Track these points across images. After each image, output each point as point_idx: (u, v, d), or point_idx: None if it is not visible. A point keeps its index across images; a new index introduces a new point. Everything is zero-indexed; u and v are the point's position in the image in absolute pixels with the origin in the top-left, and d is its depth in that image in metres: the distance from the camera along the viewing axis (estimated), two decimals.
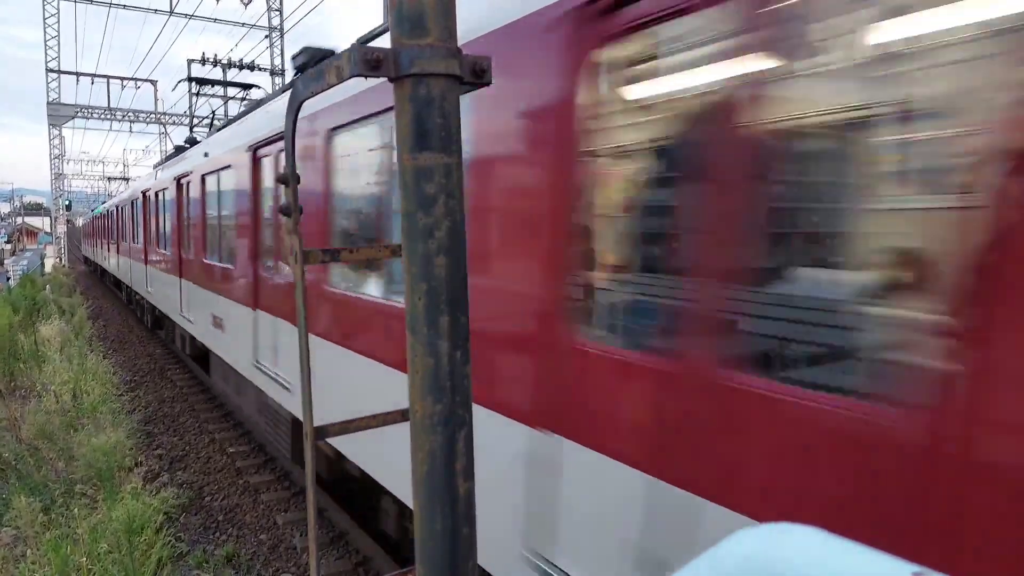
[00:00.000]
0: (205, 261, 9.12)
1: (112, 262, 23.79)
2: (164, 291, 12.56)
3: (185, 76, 19.12)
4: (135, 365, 13.99)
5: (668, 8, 2.27)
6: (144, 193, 14.94)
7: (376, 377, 4.20)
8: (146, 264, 14.75)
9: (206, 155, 9.20)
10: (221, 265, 8.31)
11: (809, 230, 2.23)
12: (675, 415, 2.22)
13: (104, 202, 34.33)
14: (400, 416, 1.46)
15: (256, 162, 6.83)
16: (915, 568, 0.57)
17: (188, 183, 10.28)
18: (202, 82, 19.14)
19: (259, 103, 8.82)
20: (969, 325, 1.53)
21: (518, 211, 2.98)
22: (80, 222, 49.73)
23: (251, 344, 6.96)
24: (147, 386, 12.18)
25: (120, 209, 20.94)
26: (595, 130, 2.62)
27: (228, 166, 7.88)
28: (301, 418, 5.51)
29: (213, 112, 20.20)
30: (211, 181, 8.94)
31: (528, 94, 2.87)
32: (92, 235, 35.03)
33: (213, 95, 20.23)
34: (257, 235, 6.90)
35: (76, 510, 6.19)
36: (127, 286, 20.13)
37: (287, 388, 5.92)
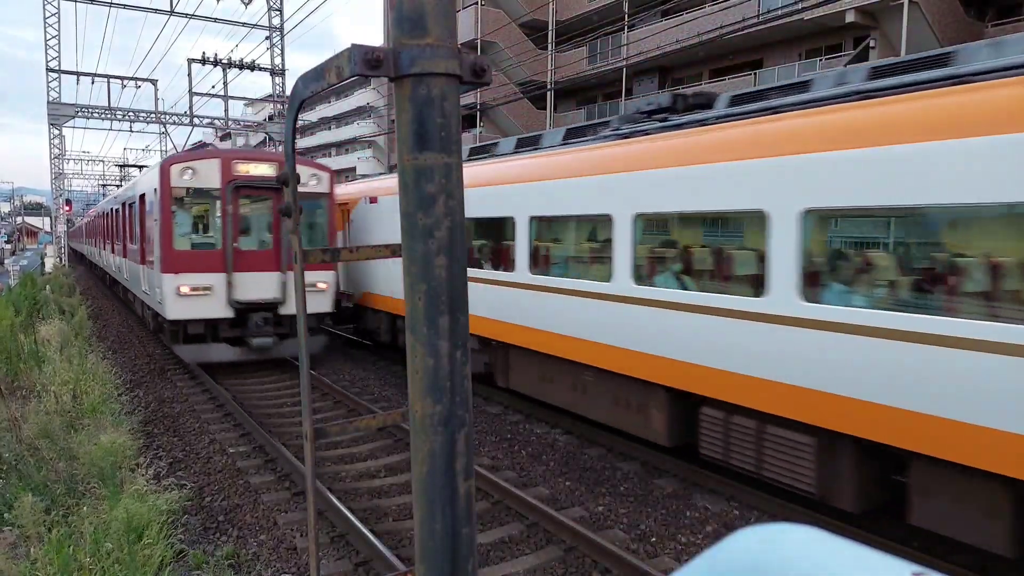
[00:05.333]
0: (130, 247, 17.20)
1: (89, 250, 39.82)
2: (111, 264, 23.55)
3: (195, 76, 19.43)
4: (135, 365, 14.00)
5: None
6: (113, 208, 24.04)
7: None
8: (113, 253, 23.17)
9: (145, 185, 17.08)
10: (136, 247, 15.87)
11: None
12: None
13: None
14: (400, 416, 1.46)
15: (142, 201, 14.62)
16: (915, 568, 0.56)
17: (125, 206, 18.51)
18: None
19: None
20: None
21: None
22: (78, 222, 55.80)
23: (141, 279, 15.18)
24: (147, 386, 12.19)
25: (95, 218, 34.46)
26: None
27: (143, 195, 14.93)
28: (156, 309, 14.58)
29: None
30: (127, 208, 17.72)
31: None
32: (77, 235, 53.64)
33: (214, 95, 20.36)
34: (144, 234, 14.42)
35: (77, 510, 6.18)
36: (95, 263, 34.84)
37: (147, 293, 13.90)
